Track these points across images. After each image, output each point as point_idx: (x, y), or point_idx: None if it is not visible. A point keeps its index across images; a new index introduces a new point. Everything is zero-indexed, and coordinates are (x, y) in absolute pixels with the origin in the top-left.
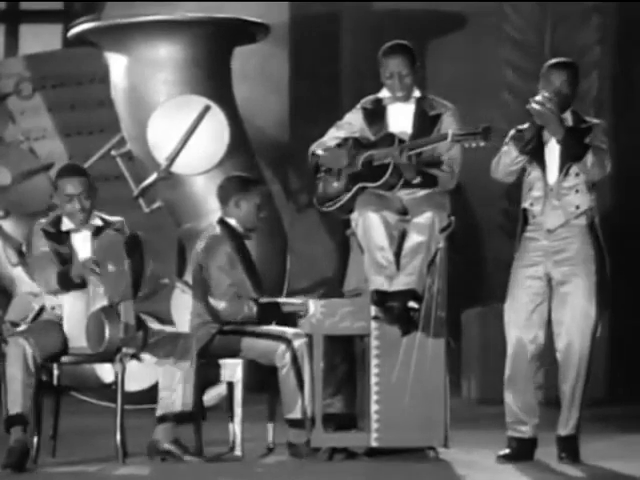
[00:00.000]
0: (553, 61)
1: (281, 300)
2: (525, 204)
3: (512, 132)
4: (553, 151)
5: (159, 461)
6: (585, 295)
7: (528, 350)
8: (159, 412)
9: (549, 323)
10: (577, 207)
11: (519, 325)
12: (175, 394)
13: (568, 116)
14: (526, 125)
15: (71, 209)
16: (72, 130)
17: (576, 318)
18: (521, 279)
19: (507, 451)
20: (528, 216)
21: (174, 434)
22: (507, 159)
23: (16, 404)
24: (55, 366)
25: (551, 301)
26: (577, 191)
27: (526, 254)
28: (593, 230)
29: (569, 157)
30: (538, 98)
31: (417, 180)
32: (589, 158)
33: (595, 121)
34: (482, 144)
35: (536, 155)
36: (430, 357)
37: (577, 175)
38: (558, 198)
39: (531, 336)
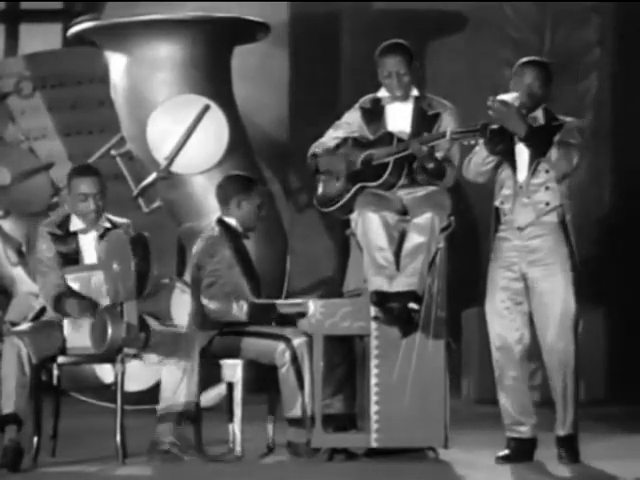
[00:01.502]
0: (524, 59)
1: (279, 301)
2: (496, 202)
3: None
4: (523, 149)
5: (159, 460)
6: (563, 293)
7: (516, 351)
8: (160, 411)
9: (532, 321)
10: (547, 204)
11: (503, 326)
12: (177, 393)
13: (540, 114)
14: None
15: (85, 209)
16: (72, 130)
17: (557, 318)
18: (498, 280)
19: (506, 452)
20: (500, 215)
21: (175, 433)
22: (478, 159)
23: (9, 404)
24: (55, 366)
25: (530, 300)
26: (547, 188)
27: (500, 254)
28: (564, 227)
29: (535, 153)
30: (494, 100)
31: (432, 165)
32: (553, 152)
33: (568, 119)
34: (481, 142)
35: (507, 154)
36: (430, 357)
37: (547, 172)
38: (528, 195)
39: (517, 336)
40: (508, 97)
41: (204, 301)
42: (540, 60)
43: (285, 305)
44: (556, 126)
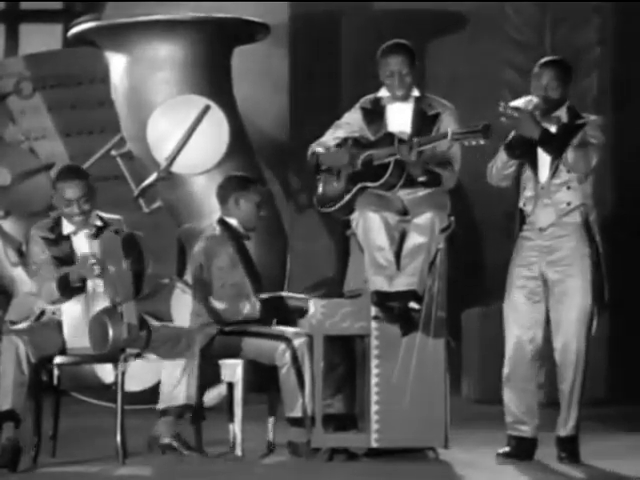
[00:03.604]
0: (542, 60)
1: (284, 294)
2: (520, 204)
3: (512, 134)
4: None
5: (159, 455)
6: (581, 295)
7: (527, 350)
8: (161, 405)
9: (548, 322)
10: (568, 204)
11: (518, 325)
12: (178, 387)
13: (563, 113)
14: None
15: (70, 212)
16: (72, 130)
17: (572, 318)
18: (517, 279)
19: (507, 449)
20: (525, 215)
21: (175, 429)
22: (499, 163)
23: (6, 401)
24: (55, 366)
25: (548, 300)
26: (568, 187)
27: (521, 253)
28: (588, 227)
29: (551, 155)
30: (505, 106)
31: (423, 178)
32: (569, 154)
33: (592, 117)
34: (482, 142)
35: (529, 155)
36: (430, 357)
37: (568, 172)
38: (549, 196)
39: (530, 336)
40: (520, 102)
41: (213, 302)
42: (557, 59)
43: (292, 298)
44: (579, 125)
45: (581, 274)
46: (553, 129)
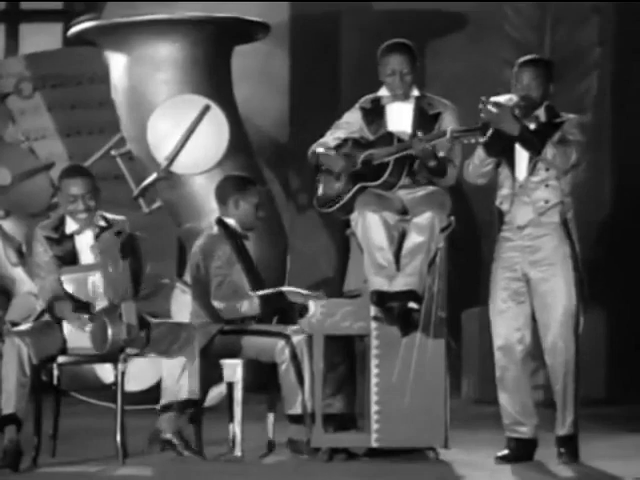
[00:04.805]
0: (522, 59)
1: (285, 289)
2: (496, 202)
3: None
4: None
5: (158, 452)
6: (565, 294)
7: (517, 350)
8: (163, 401)
9: (534, 321)
10: (546, 201)
11: (505, 327)
12: (180, 382)
13: (541, 112)
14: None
15: (74, 209)
16: (72, 130)
17: (558, 318)
18: (500, 280)
19: (505, 452)
20: (503, 215)
21: (177, 425)
22: (477, 161)
23: (9, 404)
24: (55, 366)
25: (532, 300)
26: (547, 185)
27: (503, 254)
28: (566, 226)
29: (530, 153)
30: (486, 101)
31: (433, 163)
32: (549, 151)
33: (570, 116)
34: (481, 140)
35: (507, 154)
36: (430, 357)
37: (547, 170)
38: (527, 194)
39: (518, 337)
40: (502, 98)
41: (213, 302)
42: (537, 58)
43: (292, 293)
44: (557, 123)
45: (564, 274)
46: (532, 126)
